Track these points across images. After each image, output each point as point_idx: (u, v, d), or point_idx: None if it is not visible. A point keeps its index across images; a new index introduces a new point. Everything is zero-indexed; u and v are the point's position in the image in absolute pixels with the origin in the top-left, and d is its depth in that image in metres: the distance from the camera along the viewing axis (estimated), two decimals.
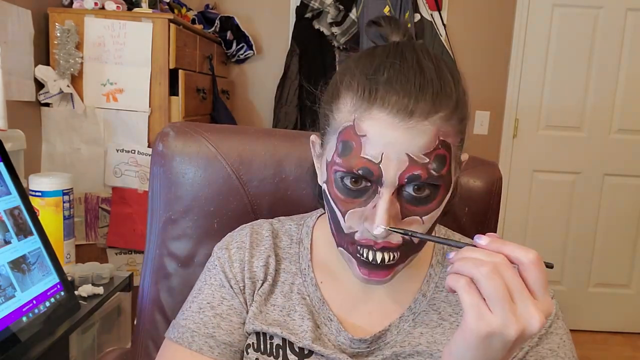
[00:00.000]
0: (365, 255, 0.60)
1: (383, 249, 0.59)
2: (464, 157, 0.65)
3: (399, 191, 0.57)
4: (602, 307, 2.88)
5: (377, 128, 0.56)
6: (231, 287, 0.70)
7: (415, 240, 0.60)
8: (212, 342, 0.68)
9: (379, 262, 0.59)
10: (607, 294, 2.87)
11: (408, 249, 0.61)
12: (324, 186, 0.64)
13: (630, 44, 2.66)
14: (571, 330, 0.68)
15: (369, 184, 0.58)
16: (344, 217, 0.60)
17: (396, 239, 0.59)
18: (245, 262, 0.71)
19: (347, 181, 0.59)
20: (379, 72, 0.57)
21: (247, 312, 0.70)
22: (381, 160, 0.55)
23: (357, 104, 0.57)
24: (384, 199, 0.56)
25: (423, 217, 0.59)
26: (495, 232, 0.94)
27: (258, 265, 0.71)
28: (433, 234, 0.65)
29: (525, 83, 2.73)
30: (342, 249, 0.63)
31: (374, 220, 0.56)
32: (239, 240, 0.73)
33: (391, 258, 0.60)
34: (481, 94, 2.74)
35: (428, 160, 0.56)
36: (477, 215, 0.91)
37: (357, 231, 0.60)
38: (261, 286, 0.70)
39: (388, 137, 0.55)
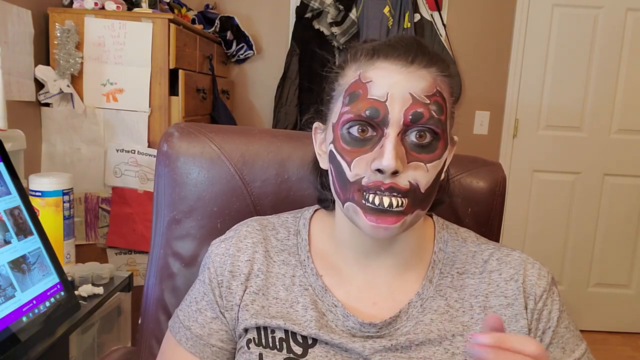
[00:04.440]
0: (371, 200, 0.61)
1: (391, 190, 0.60)
2: (455, 138, 0.70)
3: (403, 137, 0.61)
4: (602, 307, 2.88)
5: (381, 73, 0.62)
6: (210, 281, 0.72)
7: (422, 189, 0.61)
8: (189, 334, 0.72)
9: (386, 206, 0.60)
10: (607, 294, 2.88)
11: (415, 197, 0.62)
12: (330, 147, 0.65)
13: (630, 44, 2.66)
14: None
15: (375, 134, 0.61)
16: (349, 166, 0.62)
17: (403, 182, 0.60)
18: (229, 255, 0.72)
19: (354, 131, 0.62)
20: (382, 41, 0.66)
21: (218, 304, 0.71)
22: (387, 99, 0.60)
23: (361, 63, 0.64)
24: (391, 137, 0.60)
25: (427, 165, 0.61)
26: (498, 234, 0.93)
27: (242, 260, 0.72)
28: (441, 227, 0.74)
29: (525, 83, 2.73)
30: (348, 203, 0.63)
31: (382, 157, 0.59)
32: (227, 236, 0.75)
33: (399, 204, 0.61)
34: (481, 94, 2.74)
35: (429, 101, 0.61)
36: (480, 216, 0.90)
37: (363, 177, 0.61)
38: (247, 280, 0.71)
39: (392, 79, 0.61)
